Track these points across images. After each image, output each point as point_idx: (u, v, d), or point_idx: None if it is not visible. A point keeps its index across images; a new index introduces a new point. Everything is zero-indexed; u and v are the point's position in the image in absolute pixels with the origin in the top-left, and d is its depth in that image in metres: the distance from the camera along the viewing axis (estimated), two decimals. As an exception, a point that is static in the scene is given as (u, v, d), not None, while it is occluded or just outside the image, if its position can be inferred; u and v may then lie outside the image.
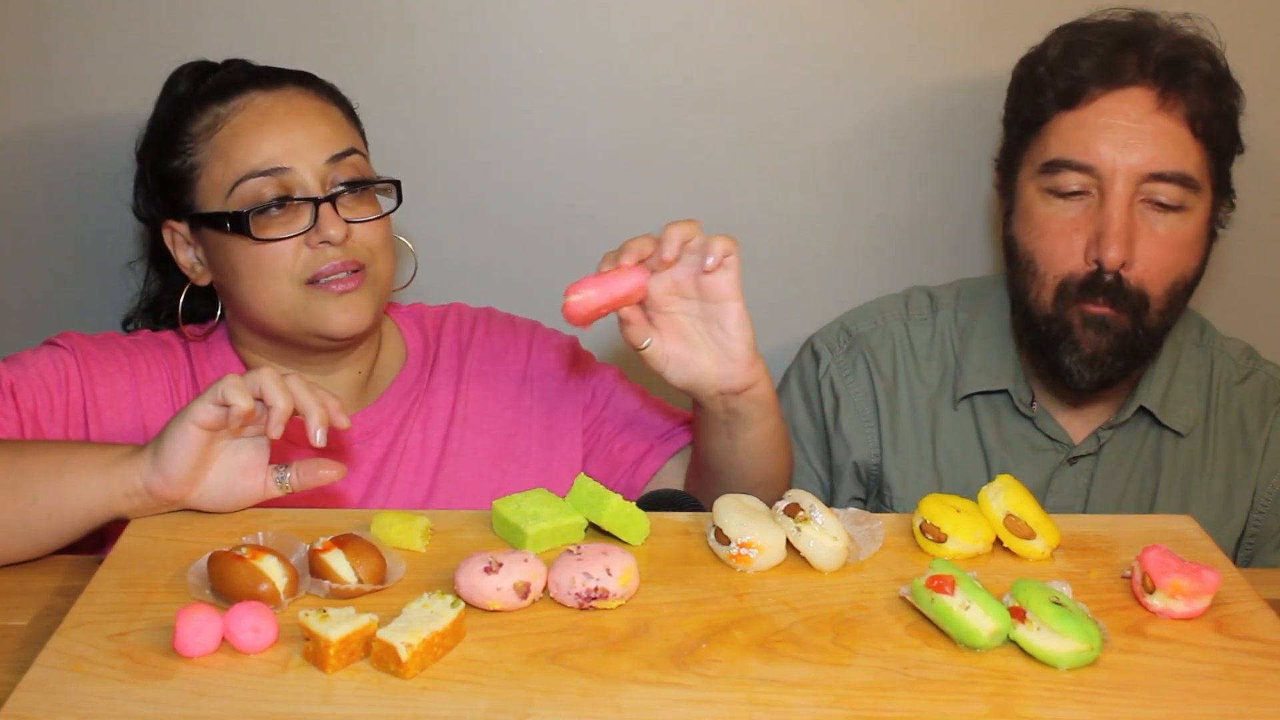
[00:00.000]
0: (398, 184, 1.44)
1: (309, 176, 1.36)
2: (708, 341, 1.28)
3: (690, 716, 0.93)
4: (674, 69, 1.78)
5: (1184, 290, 1.52)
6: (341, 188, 1.37)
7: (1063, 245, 1.49)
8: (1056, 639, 0.99)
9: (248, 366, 1.45)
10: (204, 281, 1.44)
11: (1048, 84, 1.51)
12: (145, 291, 1.57)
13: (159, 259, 1.53)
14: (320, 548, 1.08)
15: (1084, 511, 1.60)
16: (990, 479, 1.58)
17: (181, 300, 1.45)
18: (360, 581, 1.07)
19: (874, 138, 1.84)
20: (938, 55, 1.80)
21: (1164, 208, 1.47)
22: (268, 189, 1.35)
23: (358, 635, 0.97)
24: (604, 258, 1.25)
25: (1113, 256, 1.45)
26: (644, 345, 1.27)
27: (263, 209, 1.34)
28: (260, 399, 1.14)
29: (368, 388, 1.49)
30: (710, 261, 1.23)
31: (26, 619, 1.13)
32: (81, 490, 1.16)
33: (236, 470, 1.18)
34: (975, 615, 1.00)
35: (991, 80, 1.68)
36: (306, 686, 0.95)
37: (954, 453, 1.63)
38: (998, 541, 1.18)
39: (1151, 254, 1.47)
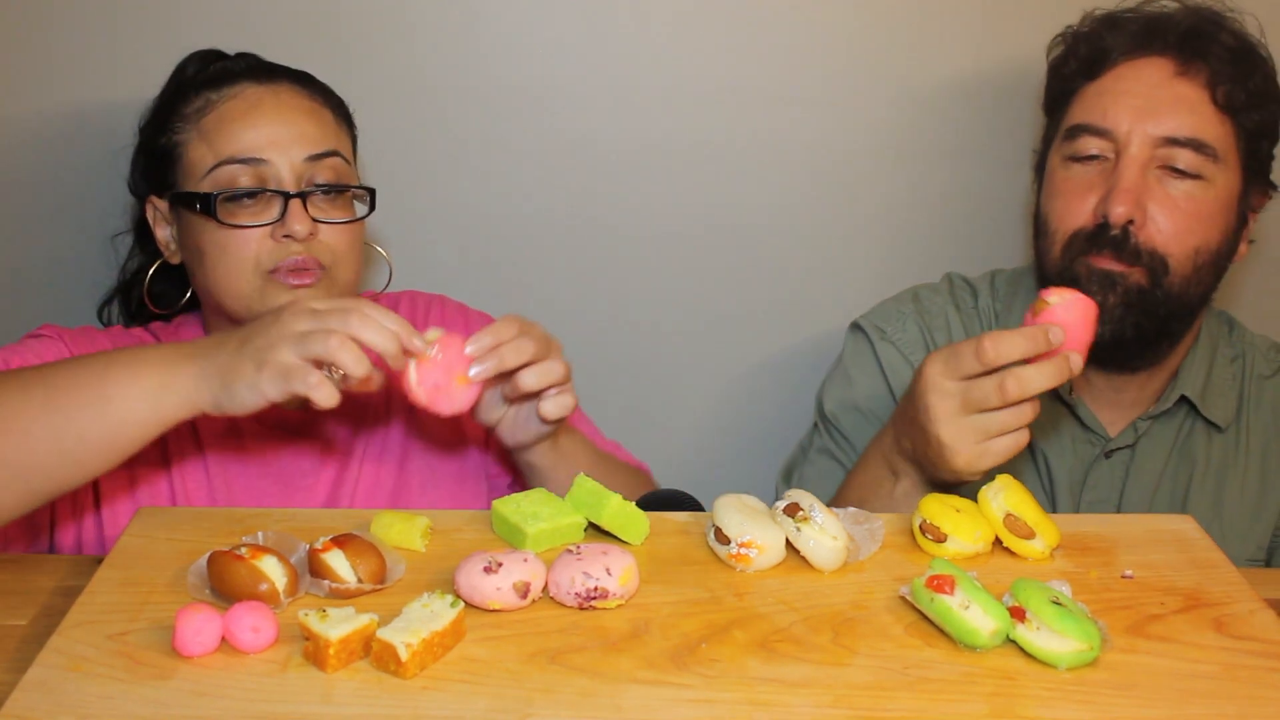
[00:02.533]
0: (372, 192, 1.45)
1: (285, 171, 1.37)
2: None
3: (690, 716, 0.93)
4: (676, 69, 1.78)
5: (1210, 261, 1.50)
6: (314, 187, 1.39)
7: (1075, 203, 1.50)
8: (1056, 639, 0.99)
9: None
10: (175, 260, 1.46)
11: (1073, 55, 1.55)
12: (125, 267, 1.59)
13: (143, 235, 1.55)
14: (320, 547, 1.08)
15: (1119, 507, 1.60)
16: (1038, 470, 1.59)
17: (149, 276, 1.48)
18: (360, 581, 1.07)
19: (875, 138, 1.84)
20: (940, 55, 1.80)
21: (1180, 174, 1.47)
22: (243, 177, 1.37)
23: (358, 635, 0.97)
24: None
25: (1119, 211, 1.45)
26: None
27: (233, 195, 1.36)
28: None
29: None
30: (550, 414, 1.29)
31: (26, 619, 1.13)
32: (142, 409, 1.16)
33: None
34: (975, 615, 1.00)
35: (991, 78, 1.68)
36: (306, 686, 0.95)
37: None
38: (997, 541, 1.18)
39: (1165, 217, 1.46)
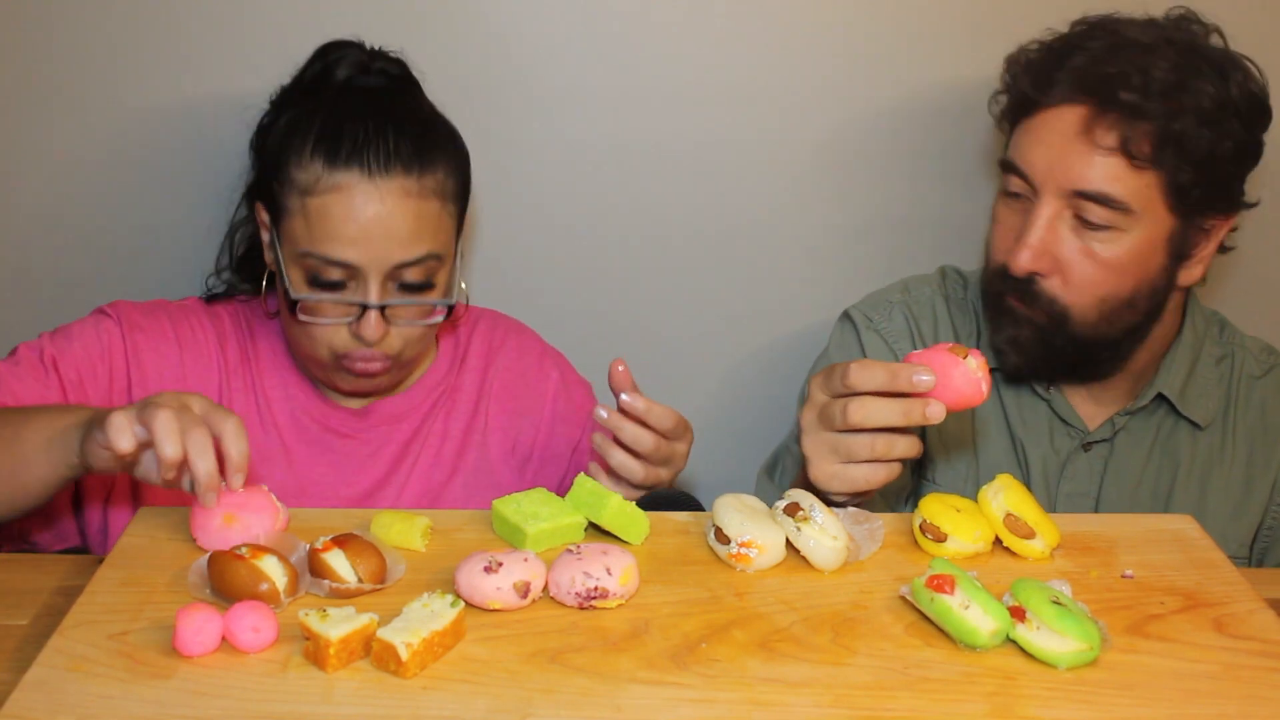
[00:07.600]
0: (451, 307, 1.44)
1: (372, 279, 1.37)
2: None
3: (690, 716, 0.93)
4: (663, 70, 1.78)
5: (1122, 306, 1.49)
6: (398, 290, 1.39)
7: (1001, 239, 1.52)
8: (1056, 639, 0.99)
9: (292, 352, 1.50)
10: (274, 267, 1.45)
11: (1010, 90, 1.55)
12: (239, 235, 1.57)
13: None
14: (320, 547, 1.08)
15: (1097, 500, 1.60)
16: (1018, 459, 1.59)
17: (246, 250, 1.51)
18: (360, 581, 1.07)
19: (870, 137, 1.84)
20: (934, 55, 1.80)
21: (1092, 225, 1.45)
22: (332, 270, 1.37)
23: (358, 635, 0.97)
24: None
25: (1020, 263, 1.46)
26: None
27: (314, 298, 1.38)
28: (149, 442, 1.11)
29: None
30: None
31: (26, 619, 1.13)
32: (41, 460, 1.20)
33: None
34: (975, 615, 1.01)
35: (985, 80, 1.68)
36: (306, 686, 0.95)
37: (986, 430, 1.63)
38: (998, 541, 1.18)
39: (1076, 269, 1.46)
